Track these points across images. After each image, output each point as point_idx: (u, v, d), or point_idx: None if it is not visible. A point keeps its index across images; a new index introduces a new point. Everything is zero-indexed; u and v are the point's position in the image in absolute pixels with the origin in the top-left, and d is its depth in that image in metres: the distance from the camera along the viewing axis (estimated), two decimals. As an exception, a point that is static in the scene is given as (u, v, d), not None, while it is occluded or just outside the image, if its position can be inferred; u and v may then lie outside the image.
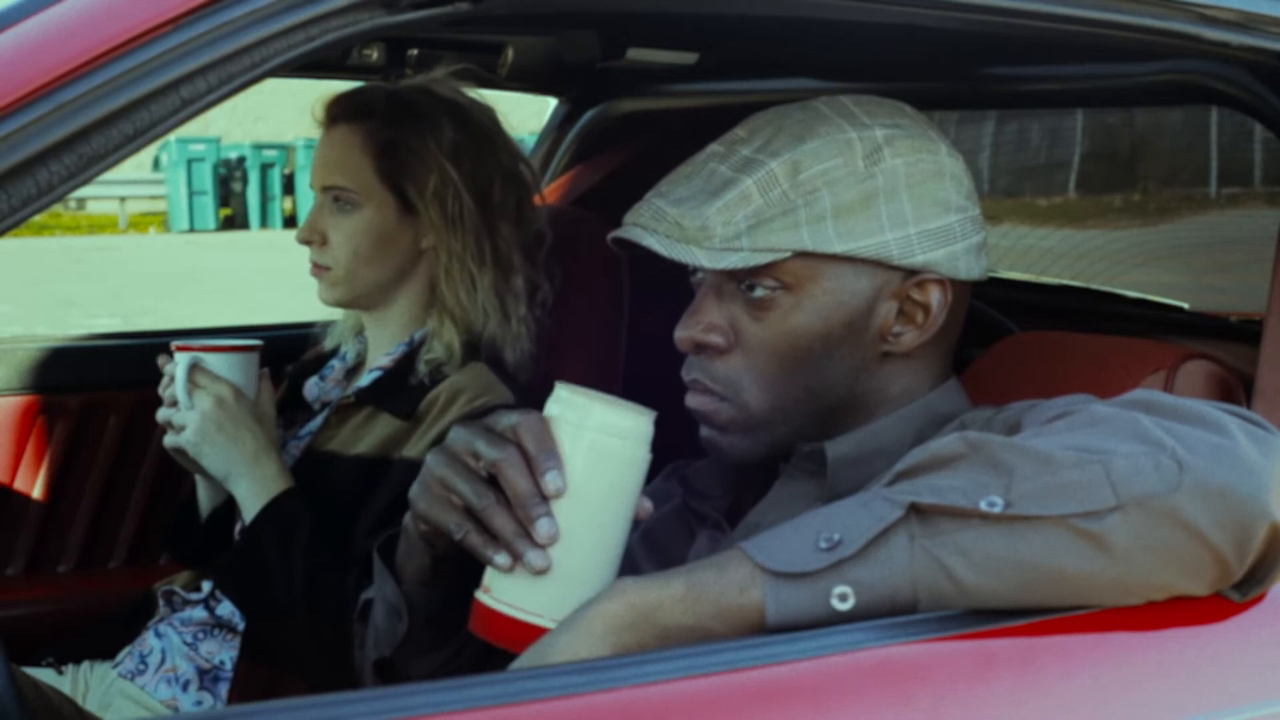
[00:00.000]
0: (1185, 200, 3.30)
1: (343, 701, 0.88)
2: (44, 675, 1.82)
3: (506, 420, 1.06)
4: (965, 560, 0.98)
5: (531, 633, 1.02)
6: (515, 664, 1.02)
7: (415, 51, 2.13)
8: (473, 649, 1.21)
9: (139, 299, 10.53)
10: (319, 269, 1.82)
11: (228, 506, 1.81)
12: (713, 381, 1.24)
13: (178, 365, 1.73)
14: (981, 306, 1.76)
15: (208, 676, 1.80)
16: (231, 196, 18.08)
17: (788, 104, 1.28)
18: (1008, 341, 1.58)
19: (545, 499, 1.03)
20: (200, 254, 14.55)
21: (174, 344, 1.76)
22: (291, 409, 1.91)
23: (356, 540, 1.70)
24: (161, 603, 1.87)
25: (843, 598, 0.98)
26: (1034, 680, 1.00)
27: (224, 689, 1.78)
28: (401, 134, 1.80)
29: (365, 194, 1.80)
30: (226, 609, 1.83)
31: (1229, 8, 1.34)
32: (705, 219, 1.20)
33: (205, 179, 17.40)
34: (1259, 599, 1.06)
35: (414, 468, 1.20)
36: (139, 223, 18.04)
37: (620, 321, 2.07)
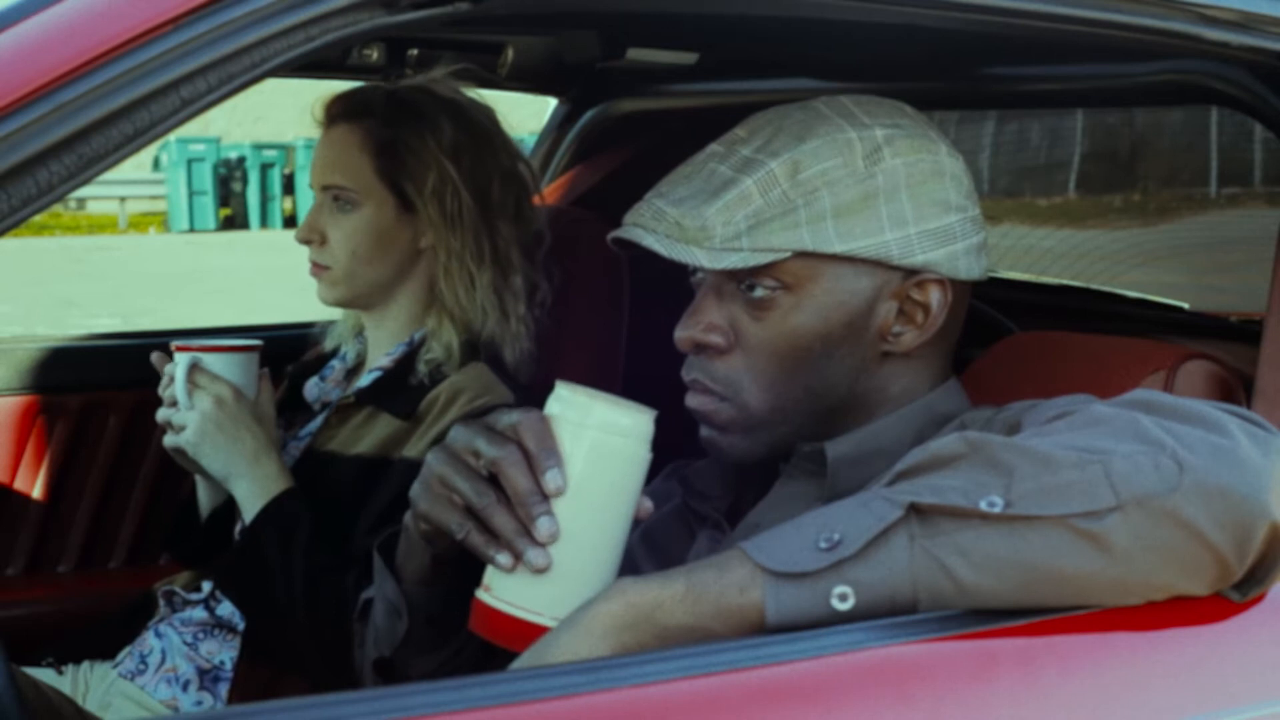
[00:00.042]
0: (1185, 200, 3.30)
1: (343, 701, 0.88)
2: (44, 675, 1.82)
3: (507, 419, 1.06)
4: (965, 560, 0.98)
5: (532, 631, 1.02)
6: (515, 663, 1.02)
7: (415, 51, 2.13)
8: (473, 649, 1.21)
9: (139, 299, 10.53)
10: (318, 268, 1.83)
11: (228, 506, 1.81)
12: (713, 381, 1.24)
13: (178, 365, 1.73)
14: (981, 306, 1.76)
15: (208, 676, 1.80)
16: (231, 196, 18.07)
17: (788, 104, 1.28)
18: (1008, 341, 1.58)
19: (546, 497, 1.03)
20: (200, 254, 14.54)
21: (174, 344, 1.76)
22: (291, 409, 1.91)
23: (356, 540, 1.70)
24: (161, 603, 1.87)
25: (843, 598, 0.98)
26: (1034, 680, 1.00)
27: (224, 689, 1.78)
28: (401, 133, 1.80)
29: (364, 193, 1.80)
30: (226, 609, 1.83)
31: (1229, 8, 1.34)
32: (705, 219, 1.20)
33: (205, 179, 17.39)
34: (1259, 599, 1.06)
35: (414, 468, 1.20)
36: (139, 223, 18.03)
37: (620, 321, 2.07)
